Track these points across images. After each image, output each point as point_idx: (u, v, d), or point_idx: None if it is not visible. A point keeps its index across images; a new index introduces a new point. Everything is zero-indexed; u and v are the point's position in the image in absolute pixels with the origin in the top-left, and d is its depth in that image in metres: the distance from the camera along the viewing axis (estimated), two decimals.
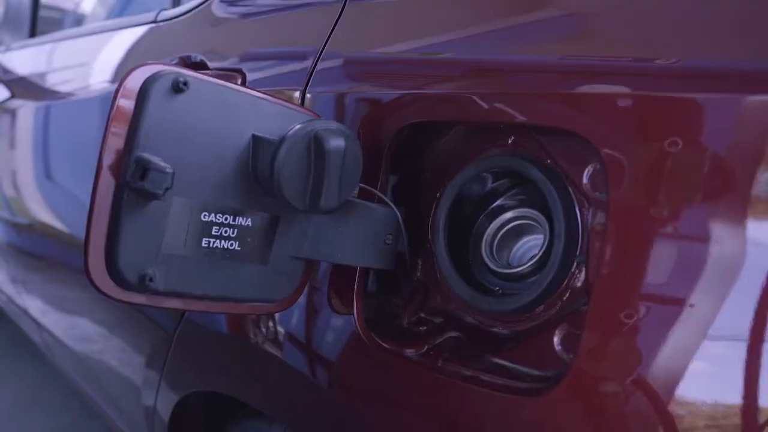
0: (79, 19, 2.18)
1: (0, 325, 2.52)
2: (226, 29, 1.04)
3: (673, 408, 0.47)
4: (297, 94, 0.77)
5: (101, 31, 1.43)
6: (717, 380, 0.47)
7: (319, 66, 0.76)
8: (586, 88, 0.54)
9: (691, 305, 0.47)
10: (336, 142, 0.58)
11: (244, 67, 0.89)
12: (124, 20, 1.35)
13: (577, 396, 0.52)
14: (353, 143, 0.60)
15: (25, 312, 1.86)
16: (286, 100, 0.66)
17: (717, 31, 0.50)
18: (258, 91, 0.64)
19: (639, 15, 0.54)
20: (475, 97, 0.60)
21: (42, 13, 2.07)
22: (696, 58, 0.51)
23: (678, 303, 0.48)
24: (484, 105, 0.60)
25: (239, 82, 0.85)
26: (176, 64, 0.96)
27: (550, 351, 0.58)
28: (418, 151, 0.70)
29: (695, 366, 0.47)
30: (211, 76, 0.81)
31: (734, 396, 0.45)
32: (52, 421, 2.05)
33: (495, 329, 0.63)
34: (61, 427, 2.03)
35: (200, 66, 0.95)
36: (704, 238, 0.48)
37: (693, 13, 0.52)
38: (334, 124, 0.60)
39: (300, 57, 0.80)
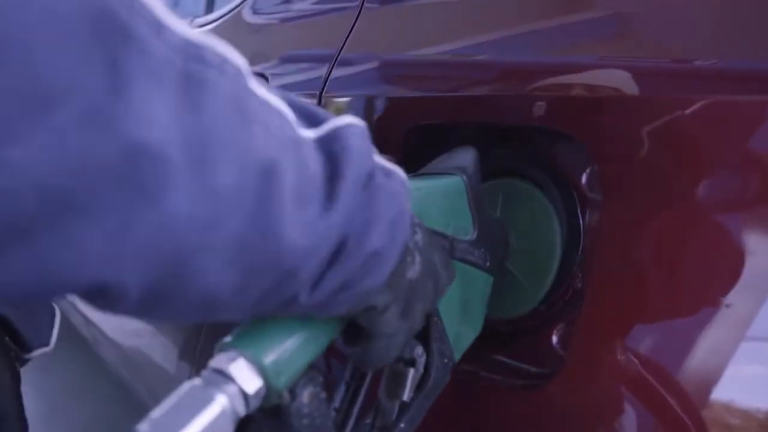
0: None
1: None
2: (256, 35, 1.07)
3: (660, 405, 0.48)
4: (315, 97, 0.80)
5: None
6: (708, 380, 0.47)
7: (335, 70, 0.79)
8: (581, 90, 0.54)
9: (683, 305, 0.48)
10: None
11: (270, 71, 0.92)
12: None
13: (569, 392, 0.53)
14: None
15: (73, 306, 1.95)
16: None
17: (711, 31, 0.51)
18: None
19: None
20: (477, 99, 0.62)
21: None
22: (694, 59, 0.51)
23: (669, 303, 0.48)
24: (486, 107, 0.62)
25: None
26: None
27: (549, 349, 0.59)
28: (427, 151, 0.72)
29: (685, 364, 0.47)
30: None
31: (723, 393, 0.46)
32: (103, 409, 2.13)
33: (497, 327, 0.64)
34: (109, 416, 2.11)
35: None
36: (697, 240, 0.48)
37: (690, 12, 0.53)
38: None
39: (318, 61, 0.83)
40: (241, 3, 1.10)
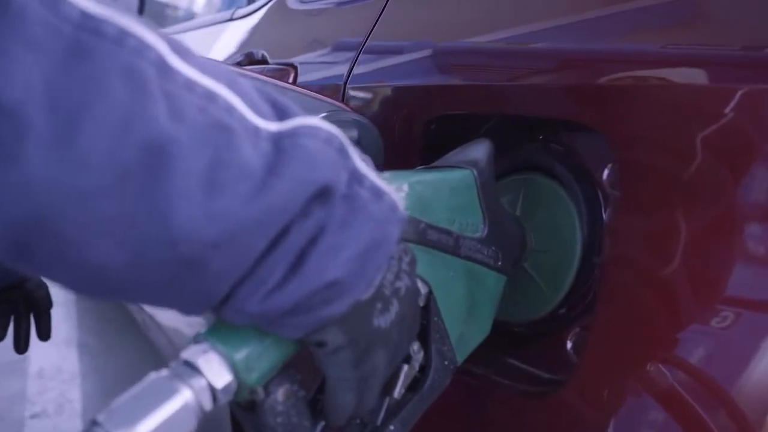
0: (189, 17, 2.31)
1: (118, 305, 2.75)
2: (292, 24, 1.07)
3: (676, 413, 0.44)
4: (340, 87, 0.78)
5: (188, 30, 1.51)
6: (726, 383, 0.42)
7: (360, 59, 0.77)
8: (603, 80, 0.51)
9: (699, 309, 0.44)
10: (347, 133, 0.59)
11: (301, 60, 0.92)
12: (207, 18, 1.43)
13: (580, 401, 0.49)
14: (370, 134, 0.61)
15: None
16: (316, 92, 0.68)
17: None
18: (289, 84, 0.65)
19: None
20: (500, 90, 0.59)
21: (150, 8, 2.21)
22: (725, 46, 0.47)
23: (683, 307, 0.44)
24: (508, 98, 0.58)
25: (291, 77, 0.88)
26: (240, 60, 1.01)
27: (563, 355, 0.56)
28: (448, 142, 0.69)
29: (700, 370, 0.43)
30: (265, 72, 0.84)
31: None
32: None
33: (513, 329, 0.61)
34: None
35: (262, 62, 0.99)
36: (714, 240, 0.44)
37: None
38: (352, 115, 0.61)
39: (346, 50, 0.82)
40: None
